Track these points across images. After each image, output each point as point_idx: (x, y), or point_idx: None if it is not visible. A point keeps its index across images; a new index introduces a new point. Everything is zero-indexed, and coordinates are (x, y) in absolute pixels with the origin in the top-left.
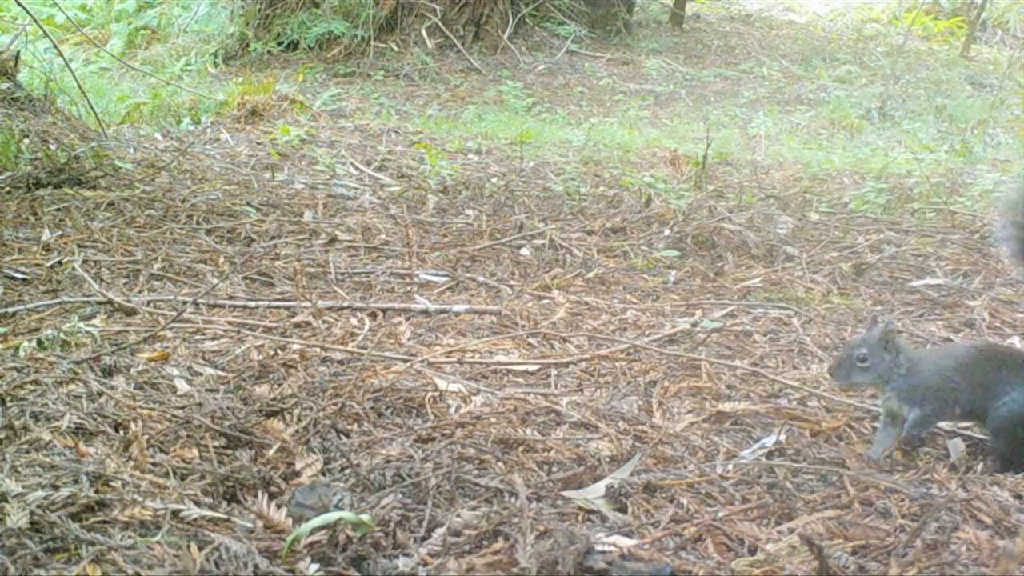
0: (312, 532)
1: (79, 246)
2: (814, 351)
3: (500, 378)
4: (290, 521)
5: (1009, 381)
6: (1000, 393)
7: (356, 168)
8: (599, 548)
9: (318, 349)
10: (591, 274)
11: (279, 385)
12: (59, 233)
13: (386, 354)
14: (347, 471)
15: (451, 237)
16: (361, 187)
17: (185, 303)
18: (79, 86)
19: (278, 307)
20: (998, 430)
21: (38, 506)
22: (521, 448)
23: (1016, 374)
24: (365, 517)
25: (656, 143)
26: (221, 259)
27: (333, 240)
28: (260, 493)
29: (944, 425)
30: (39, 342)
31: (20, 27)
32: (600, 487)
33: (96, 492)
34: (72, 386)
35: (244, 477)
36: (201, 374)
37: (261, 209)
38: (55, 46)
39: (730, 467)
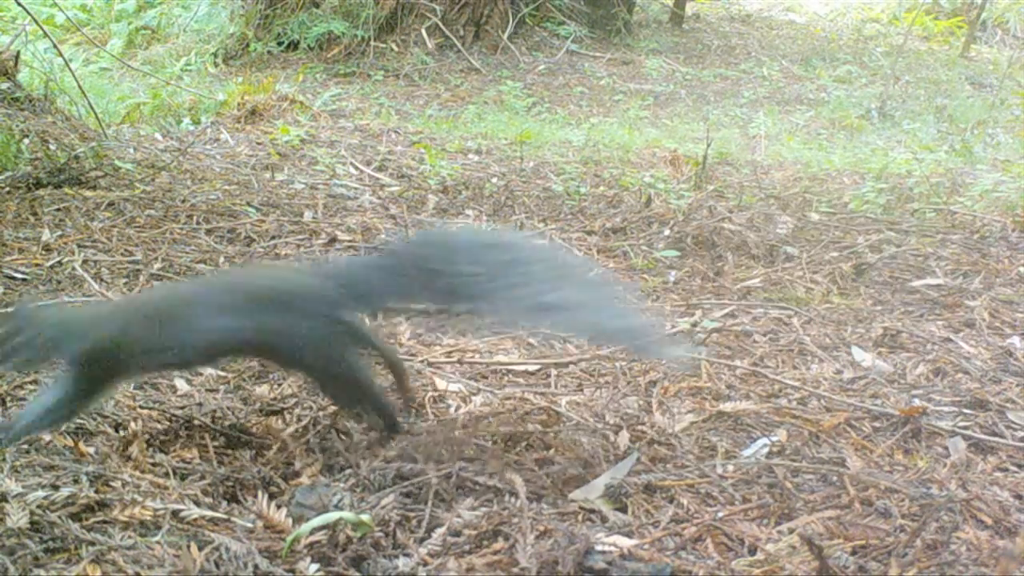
0: (312, 532)
1: (79, 246)
2: (814, 351)
3: (500, 378)
4: (290, 521)
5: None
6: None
7: (356, 168)
8: (599, 548)
9: None
10: None
11: (279, 385)
12: (59, 233)
13: None
14: (347, 471)
15: None
16: (361, 187)
17: None
18: (79, 86)
19: None
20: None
21: (38, 506)
22: (521, 448)
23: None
24: (365, 517)
25: (656, 143)
26: (221, 259)
27: (333, 240)
28: (260, 493)
29: (944, 424)
30: None
31: (20, 27)
32: (600, 487)
33: (96, 492)
34: None
35: (244, 477)
36: (201, 374)
37: (261, 209)
38: (55, 46)
39: (730, 467)
